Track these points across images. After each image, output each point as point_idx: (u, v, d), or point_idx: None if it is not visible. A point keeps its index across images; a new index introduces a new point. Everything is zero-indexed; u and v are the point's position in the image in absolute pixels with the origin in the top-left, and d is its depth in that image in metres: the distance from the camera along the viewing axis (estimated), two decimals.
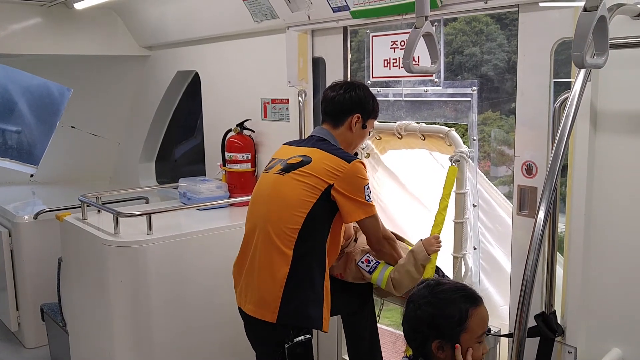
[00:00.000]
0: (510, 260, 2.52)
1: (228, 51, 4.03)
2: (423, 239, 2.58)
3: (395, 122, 2.97)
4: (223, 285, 2.85)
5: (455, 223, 2.68)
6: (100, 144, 5.74)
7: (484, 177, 2.85)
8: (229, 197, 3.72)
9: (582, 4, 1.54)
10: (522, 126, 2.40)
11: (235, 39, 3.91)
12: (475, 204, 2.73)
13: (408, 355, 2.01)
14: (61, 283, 3.94)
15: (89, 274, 3.34)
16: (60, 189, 5.46)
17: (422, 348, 1.91)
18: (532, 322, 2.15)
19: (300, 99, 3.39)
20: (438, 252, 2.57)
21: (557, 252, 2.33)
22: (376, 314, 2.89)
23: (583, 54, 1.50)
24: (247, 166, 3.76)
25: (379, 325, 2.90)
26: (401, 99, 2.99)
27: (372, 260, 2.60)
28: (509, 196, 2.82)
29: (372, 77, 3.04)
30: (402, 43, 2.85)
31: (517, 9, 2.36)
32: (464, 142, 2.71)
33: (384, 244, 2.55)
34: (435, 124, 2.86)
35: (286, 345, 2.34)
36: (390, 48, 2.90)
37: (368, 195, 2.43)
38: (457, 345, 1.86)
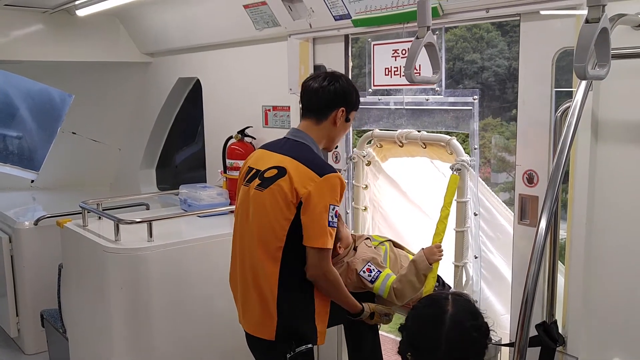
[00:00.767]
0: (512, 269, 2.52)
1: (229, 58, 4.04)
2: (424, 248, 2.56)
3: (396, 130, 2.97)
4: (223, 292, 2.83)
5: (457, 232, 2.67)
6: (101, 150, 5.74)
7: (485, 185, 2.85)
8: (230, 204, 3.72)
9: (583, 12, 1.54)
10: (524, 135, 2.40)
11: (237, 46, 3.92)
12: (477, 212, 2.73)
13: None
14: (61, 289, 3.93)
15: (89, 280, 3.34)
16: (61, 195, 5.46)
17: None
18: (533, 332, 2.14)
19: (301, 106, 3.39)
20: (440, 261, 2.56)
21: (559, 261, 2.33)
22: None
23: (585, 66, 1.50)
24: None
25: (380, 332, 2.89)
26: (402, 107, 2.99)
27: (373, 270, 2.57)
28: (509, 203, 2.82)
29: (374, 86, 3.04)
30: (404, 51, 2.85)
31: (518, 18, 2.37)
32: (464, 150, 2.71)
33: (321, 281, 2.35)
34: (436, 132, 2.86)
35: (288, 356, 2.33)
36: (392, 56, 2.91)
37: (332, 218, 2.26)
38: None
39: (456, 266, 2.70)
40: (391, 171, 3.18)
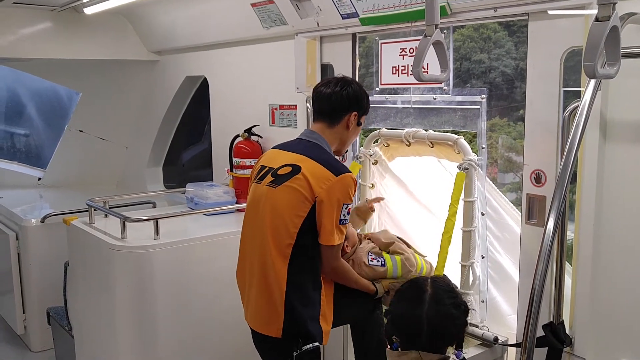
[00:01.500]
0: (519, 269, 2.51)
1: (237, 57, 4.04)
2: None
3: (403, 129, 2.97)
4: (230, 290, 2.83)
5: (464, 231, 2.67)
6: (108, 148, 5.76)
7: (493, 185, 2.84)
8: (236, 203, 3.72)
9: (592, 12, 1.53)
10: (532, 135, 2.39)
11: (244, 44, 3.92)
12: (484, 212, 2.72)
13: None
14: (67, 287, 3.94)
15: (95, 278, 3.34)
16: (68, 192, 5.48)
17: None
18: (540, 332, 2.13)
19: (308, 105, 3.39)
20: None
21: (566, 262, 2.32)
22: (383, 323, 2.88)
23: (595, 64, 1.49)
24: None
25: None
26: (409, 106, 2.98)
27: (377, 256, 2.61)
28: (516, 203, 2.81)
29: (381, 84, 3.03)
30: (411, 50, 2.84)
31: (526, 17, 2.36)
32: (472, 149, 2.70)
33: (332, 274, 2.47)
34: (443, 131, 2.85)
35: (295, 354, 2.32)
36: (399, 55, 2.90)
37: (344, 216, 2.34)
38: None
39: (463, 266, 2.69)
40: (398, 170, 3.17)
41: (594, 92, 1.91)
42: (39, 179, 5.88)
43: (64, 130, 5.80)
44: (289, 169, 2.37)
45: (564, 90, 2.29)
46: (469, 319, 2.62)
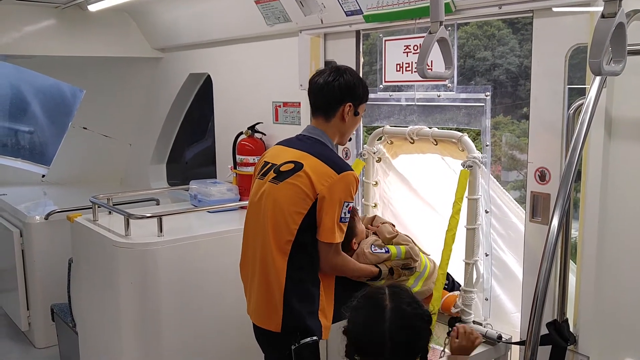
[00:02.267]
0: (523, 267, 2.50)
1: (240, 54, 4.04)
2: None
3: (407, 127, 2.96)
4: (233, 287, 2.84)
5: (467, 229, 2.66)
6: (111, 145, 5.76)
7: (497, 182, 2.83)
8: (240, 200, 3.72)
9: (597, 9, 1.53)
10: (536, 132, 2.38)
11: (248, 41, 3.92)
12: (488, 210, 2.71)
13: None
14: (71, 284, 3.95)
15: (99, 275, 3.35)
16: (72, 189, 5.49)
17: None
18: (544, 330, 2.13)
19: None
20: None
21: (570, 260, 2.31)
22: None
23: (600, 61, 1.49)
24: None
25: None
26: (413, 103, 2.98)
27: (379, 247, 2.63)
28: (520, 201, 2.80)
29: (385, 82, 3.03)
30: (415, 47, 2.84)
31: (531, 14, 2.35)
32: (476, 147, 2.69)
33: (332, 271, 2.45)
34: (447, 128, 2.84)
35: (293, 347, 2.33)
36: (403, 52, 2.89)
37: (345, 214, 2.33)
38: None
39: (467, 264, 2.68)
40: (402, 168, 3.16)
41: (599, 90, 1.90)
42: (43, 176, 5.89)
43: (67, 128, 5.81)
44: (292, 165, 2.38)
45: (569, 88, 2.29)
46: (472, 318, 2.63)
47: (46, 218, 4.41)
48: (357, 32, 3.18)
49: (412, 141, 2.95)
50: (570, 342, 2.22)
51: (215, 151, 4.44)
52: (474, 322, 2.63)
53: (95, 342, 3.52)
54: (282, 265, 2.33)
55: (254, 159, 3.71)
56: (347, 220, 2.36)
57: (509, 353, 2.61)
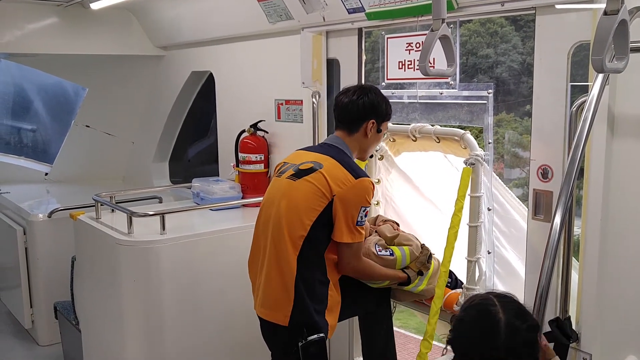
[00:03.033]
0: (525, 264, 2.50)
1: (242, 52, 4.04)
2: None
3: (409, 125, 2.96)
4: (236, 285, 2.84)
5: (470, 227, 2.66)
6: (114, 143, 5.77)
7: (499, 180, 2.83)
8: (242, 198, 3.73)
9: (599, 6, 1.52)
10: (538, 130, 2.38)
11: (250, 39, 3.92)
12: (490, 207, 2.71)
13: None
14: (74, 281, 3.96)
15: (102, 273, 3.36)
16: (75, 187, 5.49)
17: None
18: (546, 327, 2.13)
19: (314, 100, 3.39)
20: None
21: (572, 257, 2.31)
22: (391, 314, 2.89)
23: (603, 58, 1.48)
24: (260, 167, 3.76)
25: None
26: (416, 101, 2.97)
27: (383, 249, 2.66)
28: (522, 199, 2.80)
29: (387, 79, 3.03)
30: (418, 45, 2.83)
31: (534, 11, 2.34)
32: (478, 145, 2.69)
33: (355, 274, 2.54)
34: (449, 126, 2.84)
35: (300, 344, 2.35)
36: (406, 50, 2.89)
37: (361, 218, 2.40)
38: None
39: (469, 261, 2.68)
40: (404, 165, 3.16)
41: (602, 87, 1.90)
42: (46, 174, 5.90)
43: (70, 126, 5.81)
44: (311, 165, 2.45)
45: (571, 85, 2.28)
46: None
47: (49, 216, 4.42)
48: (359, 30, 3.17)
49: (414, 139, 2.95)
50: (573, 340, 2.22)
51: (217, 149, 4.44)
52: None
53: (98, 340, 3.53)
54: (294, 260, 2.37)
55: (256, 157, 3.72)
56: (364, 223, 2.43)
57: None
